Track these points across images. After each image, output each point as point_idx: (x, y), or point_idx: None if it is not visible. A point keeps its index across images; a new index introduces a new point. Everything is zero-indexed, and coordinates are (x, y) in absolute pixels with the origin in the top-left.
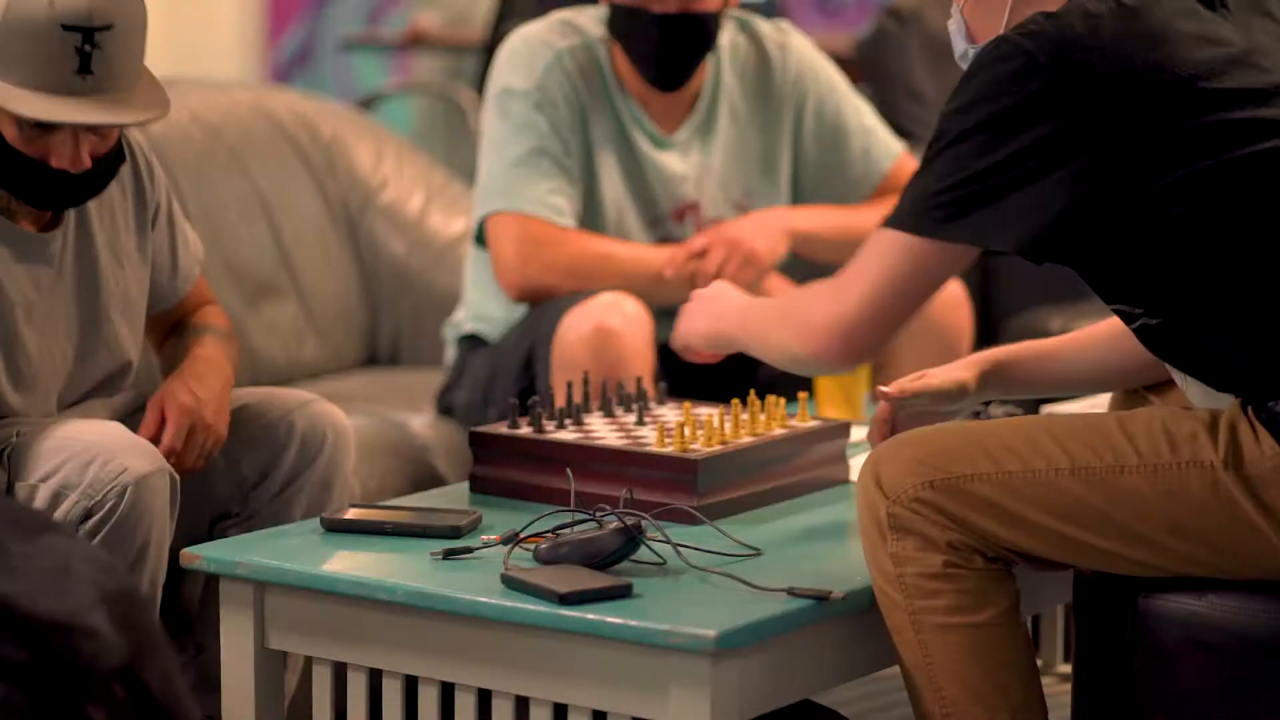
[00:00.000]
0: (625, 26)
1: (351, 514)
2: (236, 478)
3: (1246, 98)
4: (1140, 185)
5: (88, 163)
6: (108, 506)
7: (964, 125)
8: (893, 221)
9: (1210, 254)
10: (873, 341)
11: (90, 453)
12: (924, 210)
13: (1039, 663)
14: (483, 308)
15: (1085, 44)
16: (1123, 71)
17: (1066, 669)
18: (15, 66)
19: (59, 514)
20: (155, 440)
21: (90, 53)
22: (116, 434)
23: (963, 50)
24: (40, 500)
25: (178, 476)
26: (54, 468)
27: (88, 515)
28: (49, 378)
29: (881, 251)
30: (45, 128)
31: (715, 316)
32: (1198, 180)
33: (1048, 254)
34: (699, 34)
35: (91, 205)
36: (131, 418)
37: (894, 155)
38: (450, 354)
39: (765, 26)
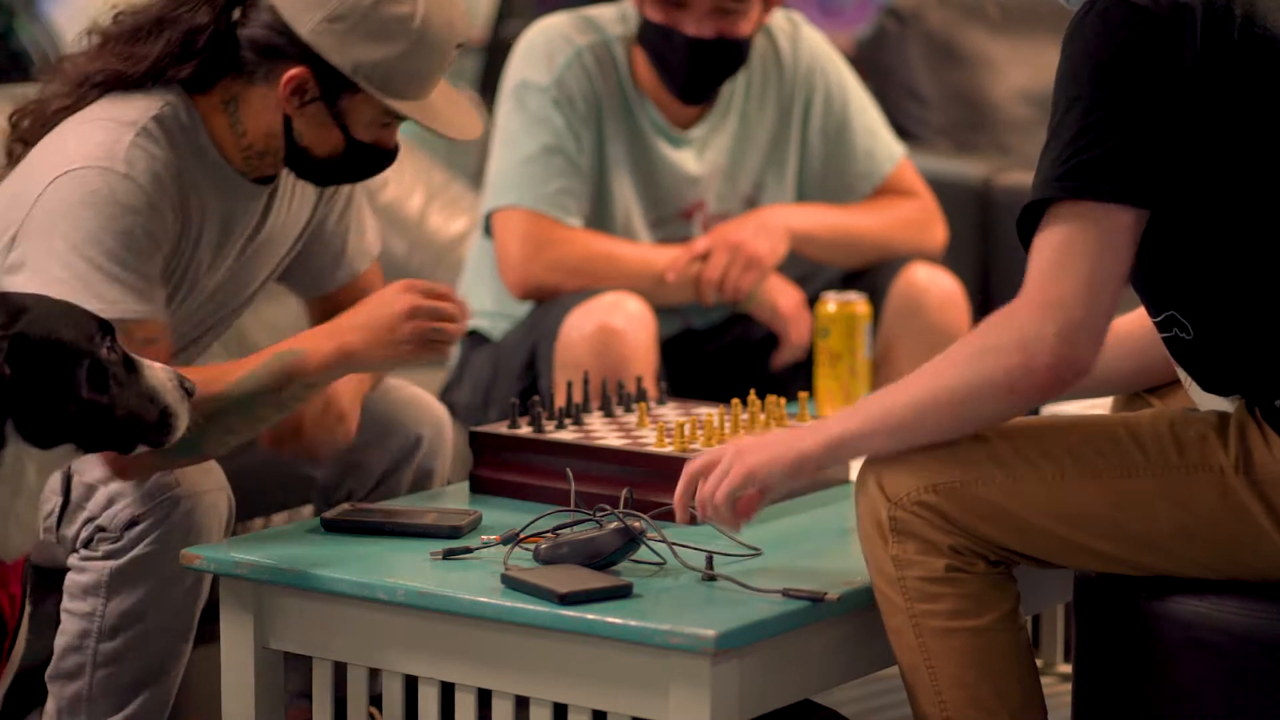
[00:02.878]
0: (656, 42)
1: (351, 514)
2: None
3: None
4: (1210, 146)
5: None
6: (155, 517)
7: (1079, 88)
8: (1039, 194)
9: (1240, 241)
10: (1099, 329)
11: None
12: (1068, 175)
13: (1039, 663)
14: (481, 301)
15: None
16: (1219, 27)
17: (1066, 669)
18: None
19: (105, 517)
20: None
21: None
22: None
23: None
24: (97, 502)
25: (234, 500)
26: None
27: (133, 522)
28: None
29: (1049, 241)
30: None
31: (799, 436)
32: (1260, 151)
33: (1170, 212)
34: (731, 57)
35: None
36: None
37: (895, 159)
38: (451, 352)
39: (777, 18)
